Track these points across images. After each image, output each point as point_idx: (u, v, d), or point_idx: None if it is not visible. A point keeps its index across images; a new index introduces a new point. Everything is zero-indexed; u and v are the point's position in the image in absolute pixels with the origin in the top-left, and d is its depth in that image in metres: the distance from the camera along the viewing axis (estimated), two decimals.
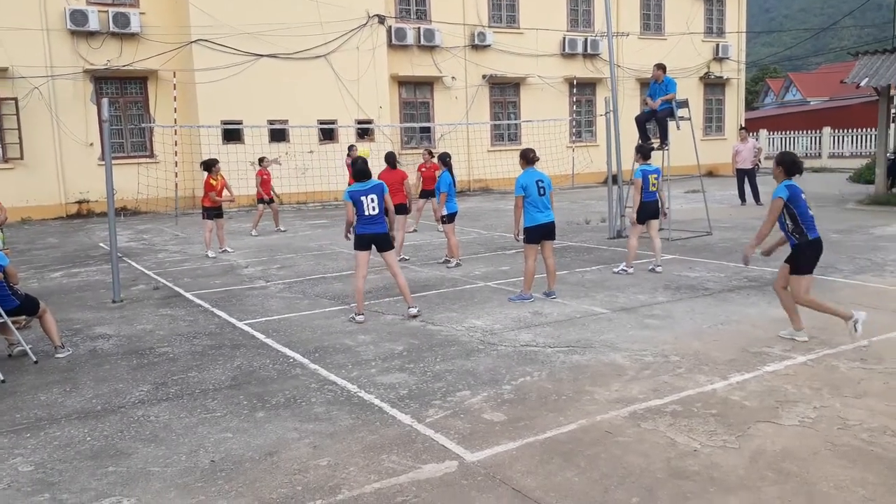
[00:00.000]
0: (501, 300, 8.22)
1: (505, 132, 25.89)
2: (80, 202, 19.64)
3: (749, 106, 45.47)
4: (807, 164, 29.40)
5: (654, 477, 3.89)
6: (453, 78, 24.23)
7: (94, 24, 19.03)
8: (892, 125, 19.32)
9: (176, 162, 18.59)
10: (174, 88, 19.62)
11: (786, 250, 6.33)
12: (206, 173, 12.45)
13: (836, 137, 32.07)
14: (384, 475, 4.01)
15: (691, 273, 9.46)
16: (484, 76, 24.69)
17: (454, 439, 4.45)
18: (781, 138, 33.27)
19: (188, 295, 9.19)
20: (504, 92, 25.53)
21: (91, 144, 19.53)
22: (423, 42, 23.31)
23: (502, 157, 22.44)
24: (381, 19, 22.11)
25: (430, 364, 5.97)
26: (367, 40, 21.77)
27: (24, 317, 6.82)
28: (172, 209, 18.24)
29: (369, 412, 4.96)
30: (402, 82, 23.73)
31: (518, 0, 25.20)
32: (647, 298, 8.08)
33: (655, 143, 12.36)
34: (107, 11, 19.24)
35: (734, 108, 30.69)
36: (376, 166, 10.55)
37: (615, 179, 13.15)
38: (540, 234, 8.14)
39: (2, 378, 5.90)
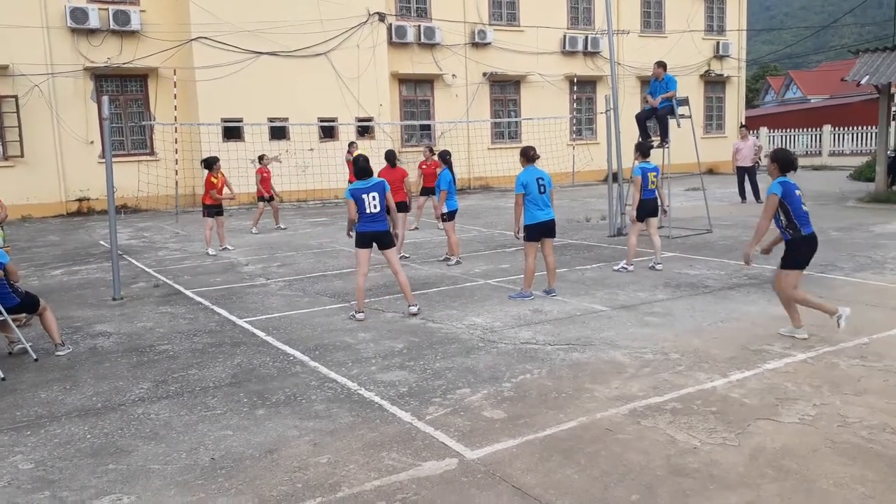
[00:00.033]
0: (501, 298, 8.23)
1: (505, 130, 25.87)
2: (80, 200, 19.64)
3: (749, 104, 45.49)
4: (807, 161, 29.57)
5: (653, 474, 3.89)
6: (454, 76, 24.20)
7: (94, 21, 19.03)
8: (893, 123, 19.33)
9: (176, 160, 18.62)
10: (174, 86, 19.64)
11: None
12: (206, 171, 12.46)
13: (836, 135, 32.05)
14: (384, 473, 4.02)
15: (691, 271, 9.46)
16: (484, 74, 24.66)
17: (454, 437, 4.45)
18: (782, 136, 33.20)
19: (188, 293, 9.20)
20: (504, 90, 25.50)
21: (91, 142, 19.52)
22: (423, 40, 23.27)
23: (502, 154, 22.37)
24: (382, 17, 22.10)
25: (431, 362, 5.97)
26: (368, 38, 21.75)
27: (24, 314, 6.83)
28: (173, 207, 18.26)
29: (369, 410, 4.96)
30: (403, 80, 23.71)
31: None
32: (648, 296, 8.08)
33: (656, 141, 12.36)
34: (107, 9, 19.23)
35: (734, 105, 30.66)
36: (375, 165, 10.51)
37: (615, 177, 13.15)
38: (540, 231, 8.14)
39: (2, 376, 5.90)
